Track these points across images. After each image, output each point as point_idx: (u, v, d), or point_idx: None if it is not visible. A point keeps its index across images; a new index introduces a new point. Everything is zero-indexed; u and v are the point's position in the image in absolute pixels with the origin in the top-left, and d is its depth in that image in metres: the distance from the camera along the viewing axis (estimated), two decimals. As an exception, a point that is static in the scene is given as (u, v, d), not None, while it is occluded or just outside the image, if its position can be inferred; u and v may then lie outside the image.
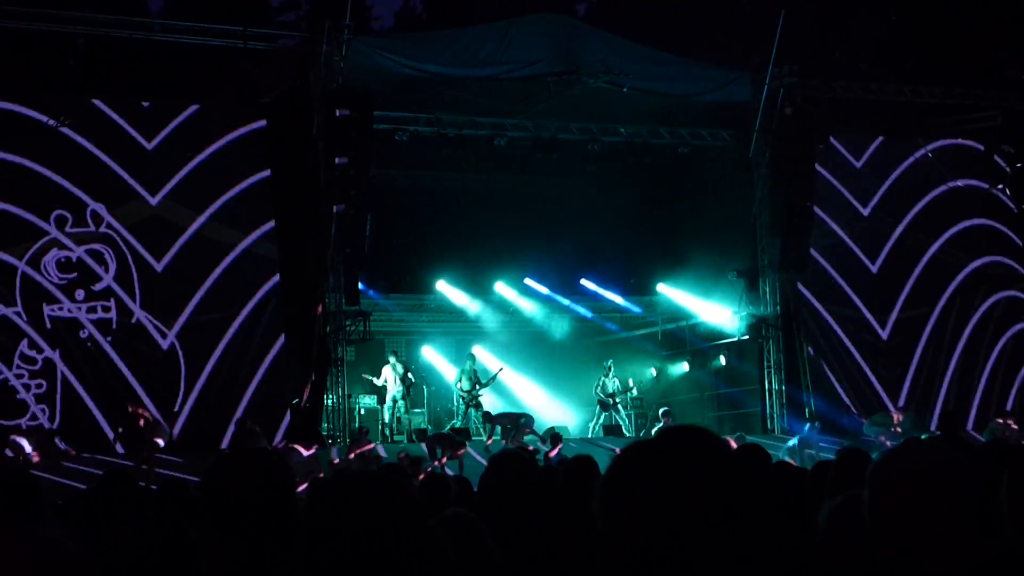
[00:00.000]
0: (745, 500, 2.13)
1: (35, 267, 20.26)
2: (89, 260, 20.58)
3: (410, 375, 24.67)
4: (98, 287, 20.58)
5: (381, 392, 24.72)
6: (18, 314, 20.07)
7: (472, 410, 25.51)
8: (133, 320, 20.67)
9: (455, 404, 26.08)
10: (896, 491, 2.84)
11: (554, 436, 21.05)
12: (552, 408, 28.47)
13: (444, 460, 19.39)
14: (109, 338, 20.49)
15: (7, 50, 20.05)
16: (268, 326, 21.46)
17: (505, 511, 4.80)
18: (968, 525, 2.79)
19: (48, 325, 20.22)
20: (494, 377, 26.41)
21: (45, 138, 20.27)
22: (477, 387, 25.61)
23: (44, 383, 20.03)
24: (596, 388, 26.40)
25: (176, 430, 20.29)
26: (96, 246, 20.65)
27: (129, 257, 20.77)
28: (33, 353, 20.07)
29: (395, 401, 24.44)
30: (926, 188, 26.47)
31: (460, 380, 25.80)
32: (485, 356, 28.41)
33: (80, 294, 20.45)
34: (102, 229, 20.68)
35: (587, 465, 6.60)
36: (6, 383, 19.84)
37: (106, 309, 20.56)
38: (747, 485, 2.15)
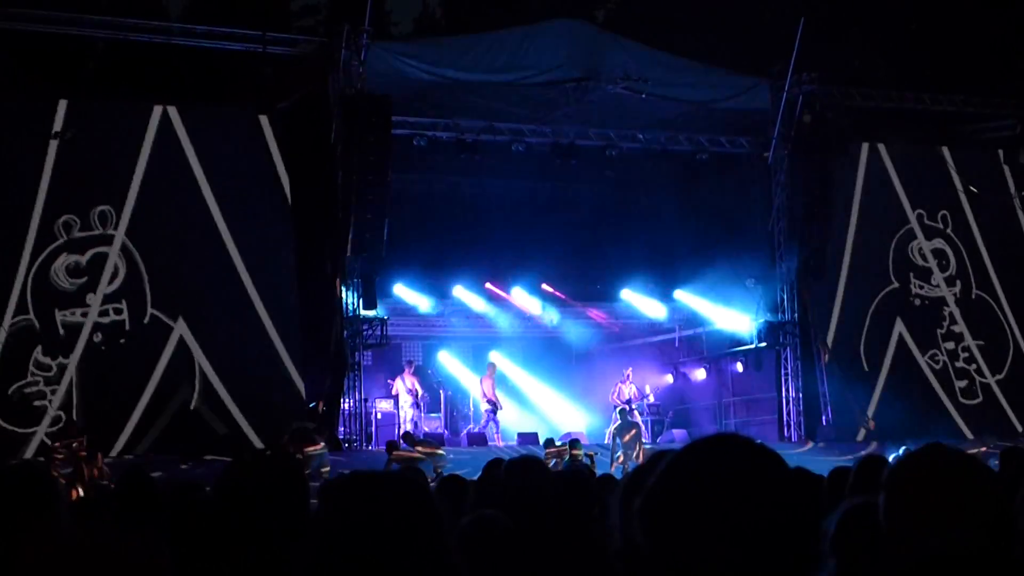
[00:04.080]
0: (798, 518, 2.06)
1: (45, 273, 20.23)
2: (97, 263, 20.54)
3: (418, 387, 24.57)
4: (108, 290, 20.55)
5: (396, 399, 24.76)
6: (30, 321, 20.05)
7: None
8: (146, 320, 20.65)
9: (471, 409, 26.00)
10: (914, 493, 2.81)
11: (572, 443, 20.88)
12: (568, 414, 28.45)
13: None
14: (122, 340, 20.50)
15: (26, 53, 20.12)
16: (285, 329, 21.44)
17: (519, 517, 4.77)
18: (985, 531, 2.77)
19: (61, 331, 20.22)
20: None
21: (55, 142, 20.22)
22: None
23: (59, 389, 19.94)
24: (613, 394, 26.32)
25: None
26: (104, 249, 20.62)
27: (139, 258, 20.74)
28: (47, 360, 20.03)
29: (404, 411, 24.38)
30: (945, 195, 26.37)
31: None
32: (502, 362, 28.39)
33: (91, 298, 20.44)
34: (110, 231, 20.63)
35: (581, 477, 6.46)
36: (22, 390, 19.76)
37: (117, 311, 20.54)
38: (801, 502, 2.07)
